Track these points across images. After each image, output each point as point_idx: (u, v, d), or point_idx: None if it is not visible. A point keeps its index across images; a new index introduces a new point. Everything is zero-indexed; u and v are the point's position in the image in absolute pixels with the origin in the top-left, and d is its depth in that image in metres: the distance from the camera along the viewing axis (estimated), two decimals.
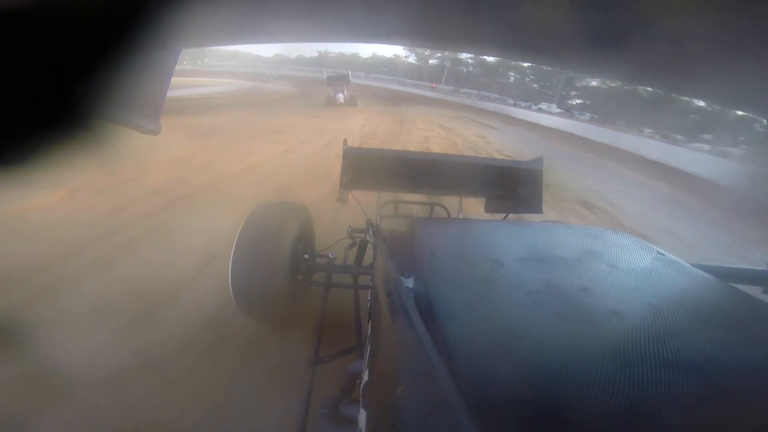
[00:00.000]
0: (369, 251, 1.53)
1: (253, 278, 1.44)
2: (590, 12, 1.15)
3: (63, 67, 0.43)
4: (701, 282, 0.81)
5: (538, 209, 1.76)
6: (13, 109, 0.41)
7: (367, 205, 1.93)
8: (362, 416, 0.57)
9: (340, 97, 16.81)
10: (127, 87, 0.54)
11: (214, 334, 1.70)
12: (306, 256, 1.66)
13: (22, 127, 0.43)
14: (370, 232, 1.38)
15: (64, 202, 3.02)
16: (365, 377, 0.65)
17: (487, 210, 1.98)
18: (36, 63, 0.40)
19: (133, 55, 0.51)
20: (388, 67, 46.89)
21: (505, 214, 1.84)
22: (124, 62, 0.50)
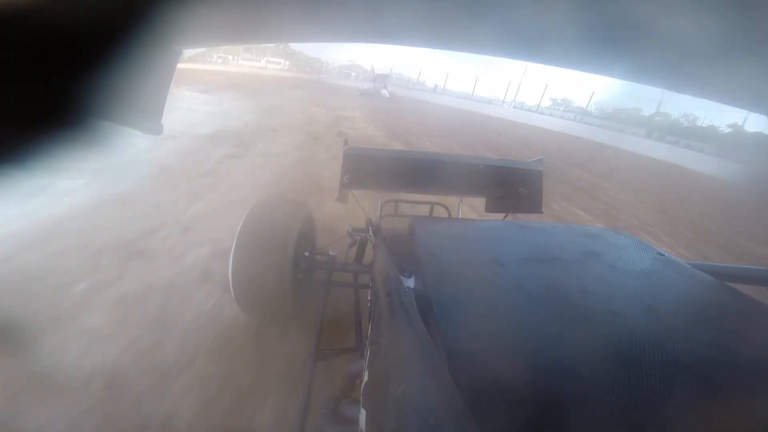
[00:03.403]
0: (369, 250, 1.53)
1: (253, 275, 1.44)
2: (590, 10, 1.15)
3: (66, 69, 0.43)
4: (700, 283, 0.81)
5: (538, 209, 1.76)
6: (16, 113, 0.42)
7: (366, 204, 1.93)
8: (362, 416, 0.57)
9: (385, 93, 18.90)
10: (130, 88, 0.54)
11: None
12: (306, 253, 1.67)
13: (25, 130, 0.44)
14: (370, 231, 1.38)
15: None
16: (365, 377, 0.66)
17: (488, 210, 1.98)
18: (39, 66, 0.41)
19: (135, 56, 0.51)
20: None
21: (504, 214, 1.84)
22: (126, 64, 0.50)
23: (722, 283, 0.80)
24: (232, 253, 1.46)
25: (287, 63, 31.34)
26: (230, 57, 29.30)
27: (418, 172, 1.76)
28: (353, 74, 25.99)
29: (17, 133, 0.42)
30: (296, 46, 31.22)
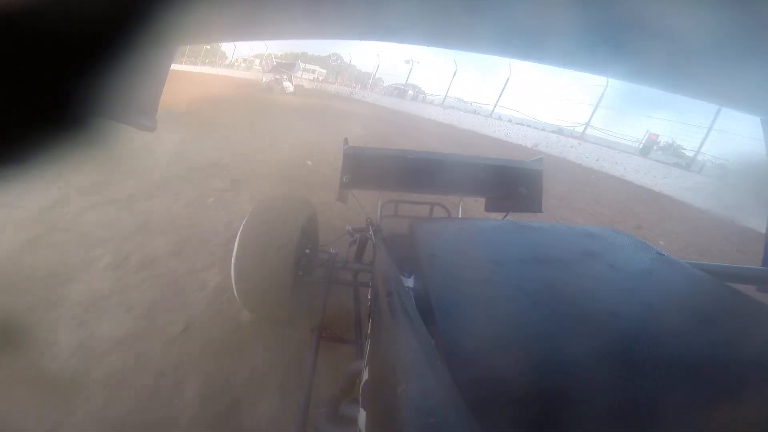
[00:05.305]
0: (369, 249, 1.53)
1: (254, 272, 1.44)
2: (590, 10, 1.14)
3: (62, 66, 0.42)
4: (699, 282, 0.82)
5: (538, 209, 1.76)
6: (12, 109, 0.41)
7: (366, 204, 1.92)
8: (362, 416, 0.57)
9: (288, 86, 15.04)
10: (125, 85, 0.53)
11: None
12: (307, 251, 1.66)
13: (21, 126, 0.43)
14: (370, 230, 1.37)
15: None
16: (365, 377, 0.65)
17: (487, 209, 1.97)
18: (35, 62, 0.40)
19: (131, 53, 0.50)
20: None
21: (504, 214, 1.84)
22: (122, 61, 0.49)
23: (722, 283, 0.80)
24: (234, 251, 1.46)
25: (323, 72, 28.89)
26: (256, 61, 27.35)
27: (418, 171, 1.75)
28: (410, 92, 20.37)
29: (15, 132, 0.41)
30: (349, 59, 27.97)
